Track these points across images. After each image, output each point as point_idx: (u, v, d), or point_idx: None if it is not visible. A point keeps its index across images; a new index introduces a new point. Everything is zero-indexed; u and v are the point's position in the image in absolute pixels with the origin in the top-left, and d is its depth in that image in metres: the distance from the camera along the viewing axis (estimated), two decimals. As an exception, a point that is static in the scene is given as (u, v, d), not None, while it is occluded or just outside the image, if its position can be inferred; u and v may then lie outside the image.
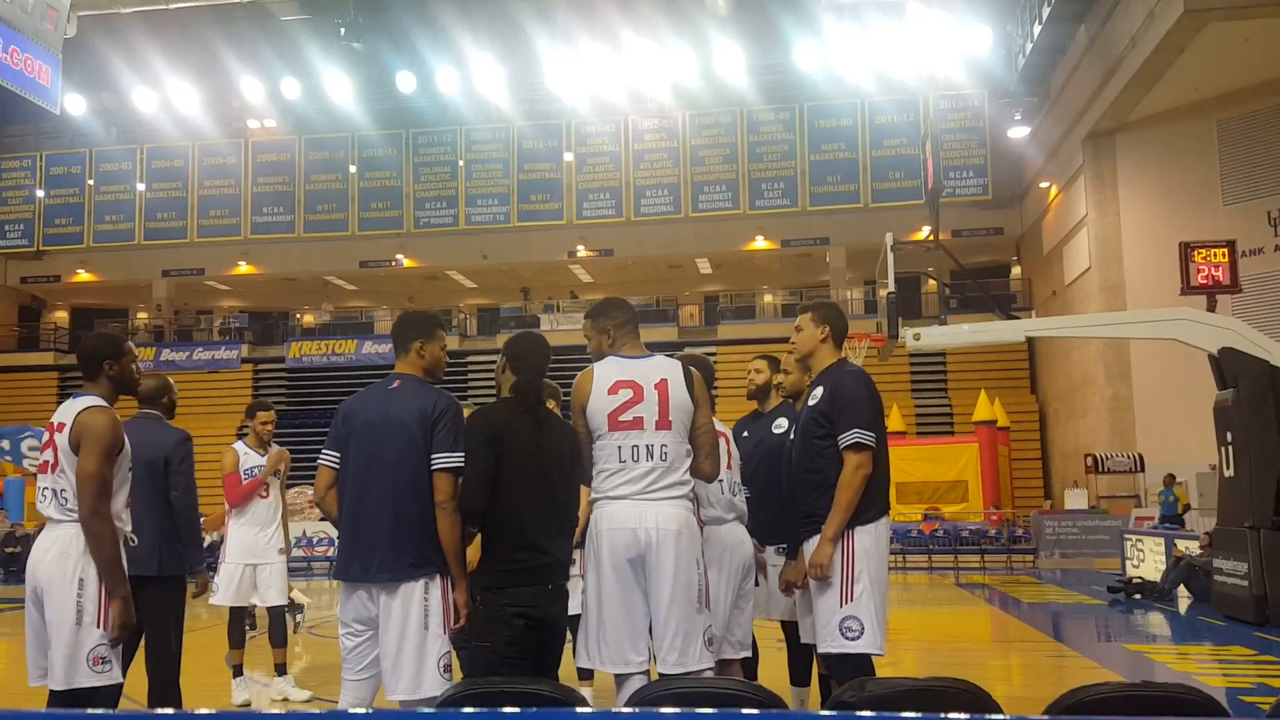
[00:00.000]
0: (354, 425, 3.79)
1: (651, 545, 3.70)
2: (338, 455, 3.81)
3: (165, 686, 4.64)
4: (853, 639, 4.03)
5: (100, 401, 3.94)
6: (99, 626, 3.76)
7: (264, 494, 6.85)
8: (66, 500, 3.84)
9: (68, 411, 3.91)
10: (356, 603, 3.72)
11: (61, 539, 3.83)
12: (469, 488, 3.63)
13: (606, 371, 3.85)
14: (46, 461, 3.96)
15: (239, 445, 6.99)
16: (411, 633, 3.62)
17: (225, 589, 6.75)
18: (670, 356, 4.06)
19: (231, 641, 6.86)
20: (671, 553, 3.71)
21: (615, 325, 3.96)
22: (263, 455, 6.86)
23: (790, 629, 5.05)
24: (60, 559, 3.79)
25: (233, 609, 6.83)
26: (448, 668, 3.66)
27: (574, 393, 3.86)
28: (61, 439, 3.86)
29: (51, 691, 3.82)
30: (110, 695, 3.84)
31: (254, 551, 6.76)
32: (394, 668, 3.64)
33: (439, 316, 4.16)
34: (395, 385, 3.83)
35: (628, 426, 3.76)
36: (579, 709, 1.93)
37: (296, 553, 17.40)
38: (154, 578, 4.65)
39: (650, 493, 3.74)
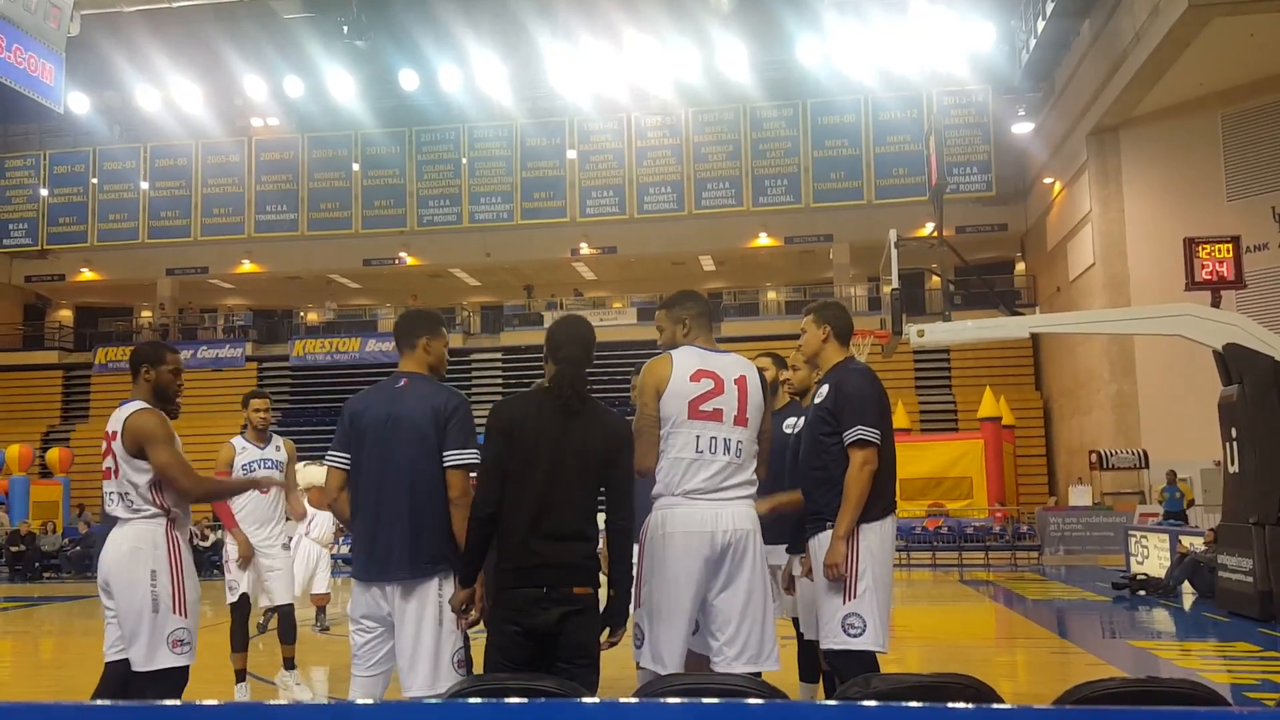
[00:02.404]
0: (362, 425, 3.75)
1: (731, 548, 3.66)
2: (346, 456, 3.78)
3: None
4: (855, 636, 4.04)
5: (143, 404, 4.22)
6: (176, 613, 4.14)
7: (264, 490, 6.57)
8: (132, 501, 4.17)
9: (117, 419, 4.22)
10: (369, 600, 3.72)
11: (131, 536, 4.17)
12: (479, 488, 3.52)
13: (686, 359, 3.79)
14: (108, 468, 4.24)
15: (237, 440, 6.71)
16: (427, 630, 3.63)
17: (239, 588, 6.68)
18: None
19: (234, 644, 6.72)
20: (750, 554, 3.69)
21: (692, 316, 3.92)
22: (261, 448, 6.62)
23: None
24: (132, 555, 4.14)
25: (234, 608, 6.70)
26: (462, 663, 3.68)
27: (647, 376, 3.77)
28: (118, 445, 4.17)
29: (133, 672, 4.16)
30: (183, 675, 4.19)
31: (256, 550, 6.63)
32: (410, 665, 3.65)
33: (441, 315, 4.15)
34: (403, 383, 3.80)
35: (707, 417, 3.70)
36: (584, 700, 1.94)
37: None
38: None
39: (723, 490, 3.70)
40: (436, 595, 3.64)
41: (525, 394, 3.72)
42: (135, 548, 4.14)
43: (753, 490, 3.81)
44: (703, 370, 3.75)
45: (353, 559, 3.91)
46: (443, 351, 3.92)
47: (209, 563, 21.40)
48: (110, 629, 4.28)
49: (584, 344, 3.62)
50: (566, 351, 3.57)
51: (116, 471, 4.18)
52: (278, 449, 6.73)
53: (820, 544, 4.16)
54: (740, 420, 3.75)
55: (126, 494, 4.17)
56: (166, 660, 4.10)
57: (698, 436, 3.70)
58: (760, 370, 5.02)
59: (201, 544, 21.75)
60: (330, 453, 3.83)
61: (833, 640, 4.08)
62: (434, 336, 3.88)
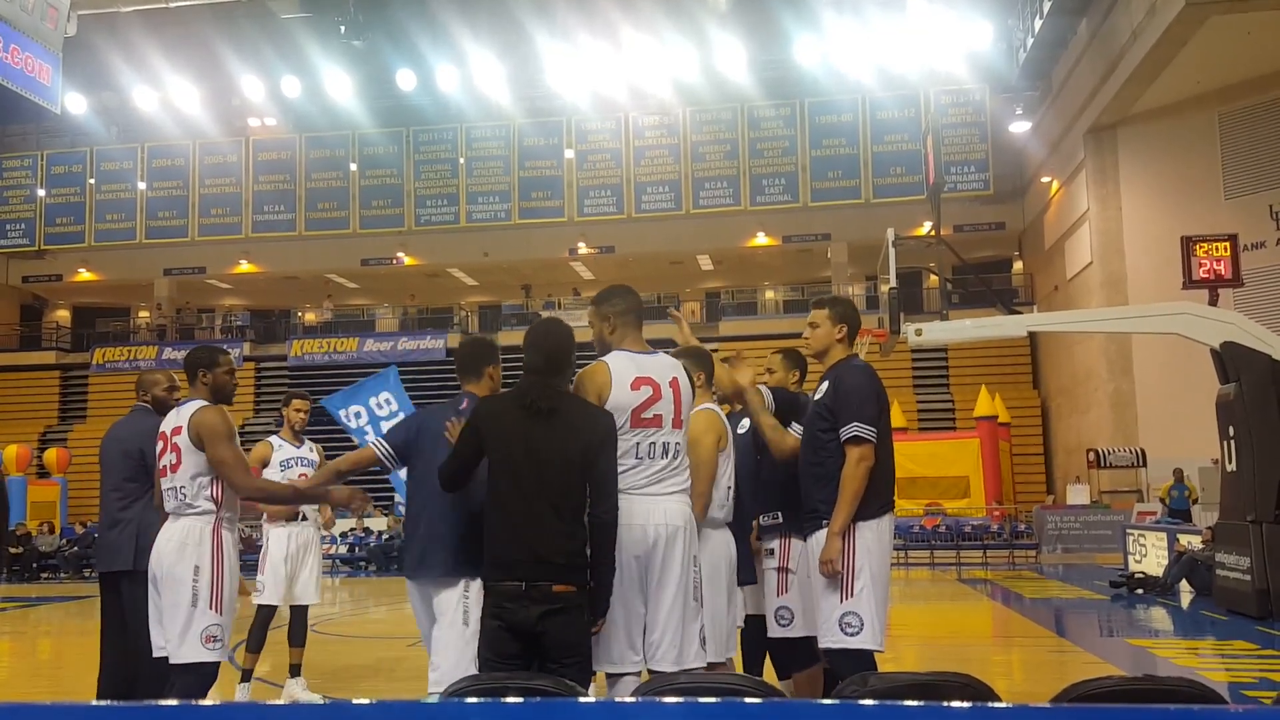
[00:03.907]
0: (423, 438, 4.09)
1: (660, 542, 3.67)
2: (390, 451, 4.12)
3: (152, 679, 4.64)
4: (852, 634, 4.02)
5: (204, 402, 4.45)
6: (212, 609, 4.29)
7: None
8: (185, 496, 4.34)
9: (181, 415, 4.41)
10: (418, 596, 4.08)
11: (180, 531, 4.34)
12: (446, 469, 3.75)
13: (623, 366, 3.78)
14: (165, 466, 4.40)
15: (274, 438, 6.83)
16: (452, 629, 3.89)
17: (272, 588, 6.64)
18: (670, 352, 4.07)
19: (250, 643, 6.67)
20: (679, 549, 3.70)
21: (617, 313, 3.88)
22: (297, 447, 6.73)
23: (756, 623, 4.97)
24: (180, 549, 4.31)
25: (261, 608, 6.68)
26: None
27: (586, 383, 3.75)
28: (182, 439, 4.35)
29: (169, 664, 4.30)
30: (212, 671, 4.35)
31: (291, 551, 6.69)
32: (435, 660, 3.93)
33: (496, 342, 4.53)
34: (464, 405, 4.06)
35: (648, 424, 3.73)
36: (581, 699, 1.94)
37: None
38: (129, 572, 4.67)
39: (658, 487, 3.73)
40: (461, 595, 3.91)
41: (504, 396, 3.82)
42: (183, 543, 4.30)
43: (686, 486, 3.84)
44: (640, 378, 3.77)
45: (404, 558, 4.28)
46: (500, 375, 4.28)
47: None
48: (152, 625, 4.40)
49: (542, 350, 3.66)
50: (528, 360, 3.67)
51: (176, 467, 4.34)
52: (311, 450, 6.83)
53: (818, 541, 4.15)
54: (677, 423, 3.80)
55: (182, 489, 4.33)
56: (196, 654, 4.25)
57: (638, 444, 3.72)
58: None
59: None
60: (378, 438, 4.34)
61: (830, 639, 4.07)
62: (497, 364, 4.27)
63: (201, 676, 4.28)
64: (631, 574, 3.66)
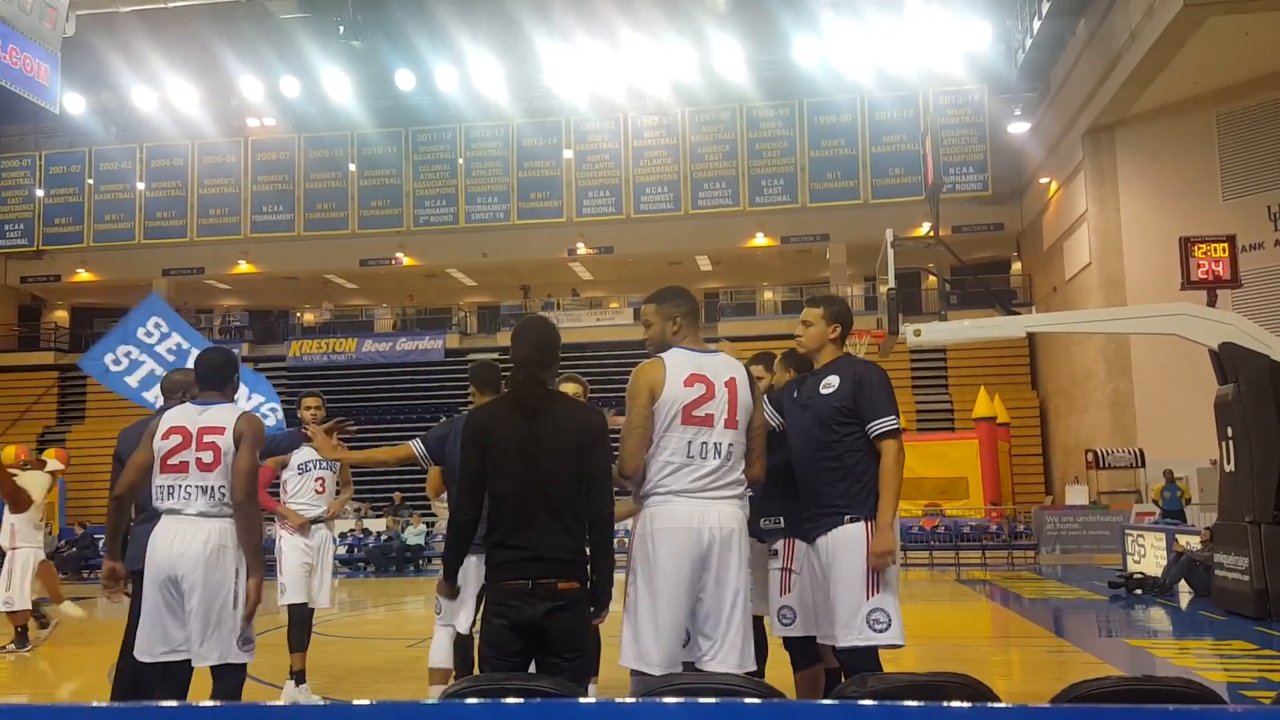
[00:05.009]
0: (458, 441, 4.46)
1: (715, 545, 3.66)
2: (425, 451, 5.12)
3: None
4: (881, 631, 3.99)
5: (235, 406, 4.44)
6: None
7: (320, 489, 6.70)
8: (224, 496, 4.26)
9: (214, 416, 4.32)
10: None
11: (215, 532, 4.24)
12: (458, 494, 3.64)
13: (679, 363, 3.79)
14: (186, 461, 4.26)
15: None
16: None
17: (294, 585, 6.60)
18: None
19: (293, 644, 6.62)
20: (735, 553, 3.69)
21: (683, 314, 3.90)
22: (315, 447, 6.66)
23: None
24: (218, 551, 4.22)
25: (291, 608, 6.64)
26: None
27: (640, 379, 3.76)
28: (224, 440, 4.27)
29: (190, 668, 4.25)
30: (244, 672, 4.36)
31: (308, 548, 6.67)
32: None
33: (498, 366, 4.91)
34: None
35: (699, 422, 3.72)
36: (581, 700, 1.94)
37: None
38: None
39: (711, 491, 3.71)
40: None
41: (495, 401, 3.84)
42: (221, 545, 4.23)
43: (741, 489, 3.82)
44: (695, 375, 3.77)
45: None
46: None
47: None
48: (152, 627, 4.24)
49: (533, 344, 3.65)
50: (517, 354, 3.65)
51: (214, 465, 4.24)
52: None
53: (834, 540, 4.08)
54: (730, 423, 3.76)
55: (220, 488, 4.24)
56: (237, 657, 4.25)
57: (689, 442, 3.71)
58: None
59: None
60: (419, 438, 5.03)
61: (856, 636, 4.00)
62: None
63: (238, 678, 4.30)
64: (683, 577, 3.64)
